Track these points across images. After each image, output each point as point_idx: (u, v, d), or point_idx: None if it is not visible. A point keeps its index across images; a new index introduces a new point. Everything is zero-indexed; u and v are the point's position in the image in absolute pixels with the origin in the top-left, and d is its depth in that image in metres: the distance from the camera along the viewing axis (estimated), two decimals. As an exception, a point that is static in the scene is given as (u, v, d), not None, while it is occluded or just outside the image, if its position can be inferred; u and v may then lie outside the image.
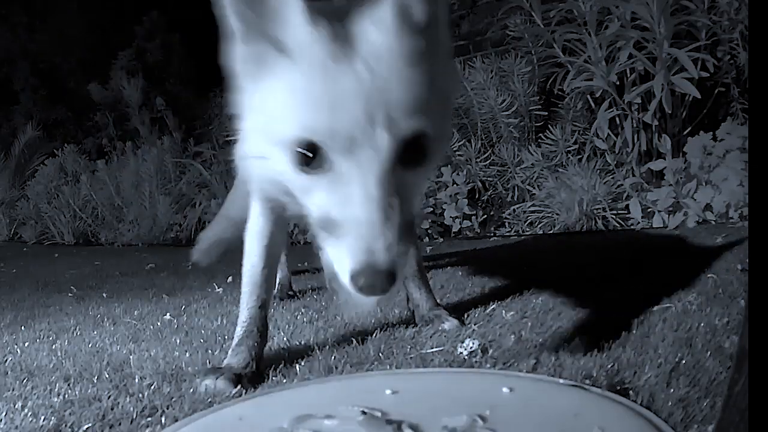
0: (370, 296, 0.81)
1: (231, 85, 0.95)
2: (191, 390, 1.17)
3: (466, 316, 1.58)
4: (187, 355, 1.44)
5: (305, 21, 0.86)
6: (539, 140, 3.74)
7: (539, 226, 3.51)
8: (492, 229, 3.79)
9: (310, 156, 0.84)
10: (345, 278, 0.81)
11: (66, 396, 1.21)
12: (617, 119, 3.38)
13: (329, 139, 0.82)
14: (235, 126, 1.00)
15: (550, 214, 3.46)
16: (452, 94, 1.09)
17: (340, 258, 0.82)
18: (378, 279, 0.79)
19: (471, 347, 1.27)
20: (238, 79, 0.94)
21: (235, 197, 1.87)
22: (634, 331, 1.28)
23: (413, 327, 1.50)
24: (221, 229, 1.94)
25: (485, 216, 3.82)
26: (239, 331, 1.31)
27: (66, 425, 1.06)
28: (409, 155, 0.85)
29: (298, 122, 0.85)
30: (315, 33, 0.85)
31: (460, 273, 2.28)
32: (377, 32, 0.86)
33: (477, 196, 3.88)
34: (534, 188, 3.65)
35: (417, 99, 0.85)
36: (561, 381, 1.00)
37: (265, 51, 0.88)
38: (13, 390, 1.28)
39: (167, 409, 1.09)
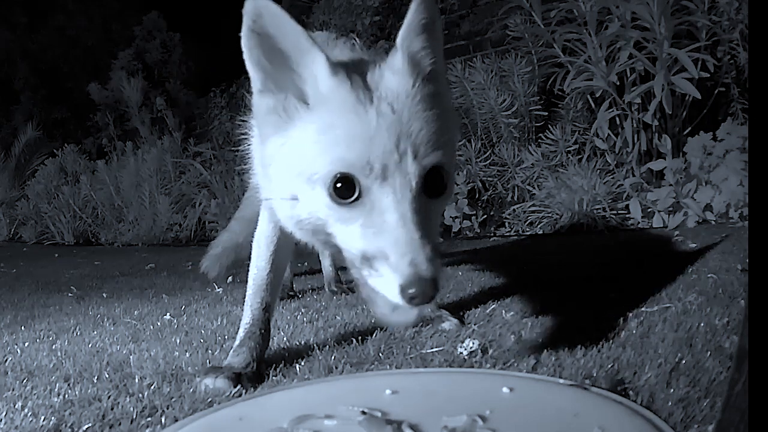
0: (419, 305, 0.90)
1: (246, 136, 1.08)
2: (191, 390, 1.17)
3: (466, 316, 1.58)
4: (187, 355, 1.44)
5: (329, 73, 0.98)
6: (539, 140, 3.74)
7: (539, 226, 3.51)
8: (492, 229, 3.79)
9: (346, 188, 0.94)
10: (393, 294, 0.89)
11: (66, 396, 1.21)
12: (617, 119, 3.38)
13: (365, 170, 0.92)
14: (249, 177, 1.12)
15: (550, 214, 3.46)
16: (456, 134, 1.18)
17: (386, 279, 0.90)
18: (426, 287, 0.87)
19: (471, 347, 1.27)
20: (261, 129, 1.05)
21: (248, 202, 1.96)
22: (634, 331, 1.28)
23: (413, 327, 1.50)
24: (234, 234, 2.01)
25: (485, 216, 3.82)
26: (241, 332, 1.32)
27: (66, 425, 1.06)
28: (431, 186, 0.96)
29: (335, 158, 0.94)
30: (339, 82, 0.97)
31: (460, 273, 2.28)
32: (394, 78, 0.99)
33: (477, 196, 3.88)
34: (534, 188, 3.65)
35: (435, 135, 0.96)
36: (561, 381, 1.00)
37: (290, 102, 1.00)
38: (13, 390, 1.28)
39: (167, 409, 1.09)
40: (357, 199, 0.94)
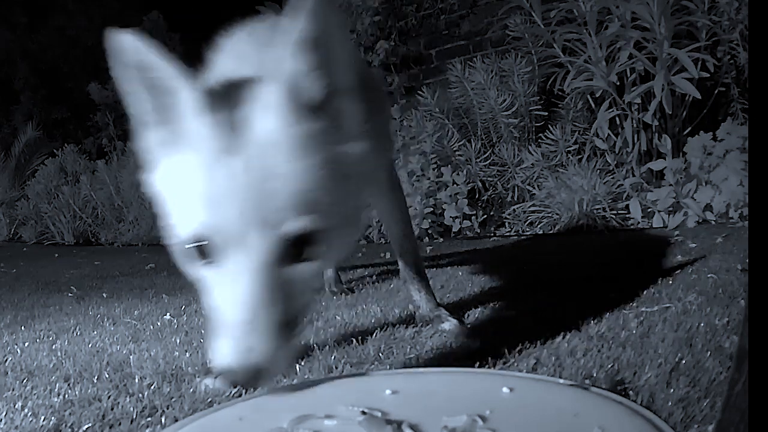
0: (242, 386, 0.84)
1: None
2: (191, 390, 1.17)
3: (466, 316, 1.58)
4: (187, 355, 1.44)
5: (197, 111, 0.85)
6: (539, 140, 3.74)
7: (539, 226, 3.51)
8: (492, 229, 3.79)
9: (202, 250, 0.84)
10: (216, 371, 0.85)
11: (66, 396, 1.21)
12: (617, 119, 3.38)
13: (212, 235, 0.82)
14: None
15: (550, 214, 3.46)
16: (367, 166, 0.95)
17: (215, 351, 0.81)
18: (244, 378, 0.80)
19: (470, 347, 1.27)
20: (149, 160, 0.93)
21: None
22: (634, 331, 1.28)
23: (413, 327, 1.50)
24: None
25: (485, 216, 3.82)
26: None
27: (66, 425, 1.06)
28: (296, 252, 0.84)
29: (190, 215, 0.85)
30: (205, 123, 0.84)
31: (460, 273, 2.28)
32: (264, 119, 0.84)
33: (477, 196, 3.88)
34: (534, 188, 3.65)
35: (304, 195, 0.83)
36: (561, 381, 1.00)
37: (167, 138, 0.89)
38: (13, 390, 1.28)
39: (167, 409, 1.09)
40: (212, 262, 0.84)
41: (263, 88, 0.85)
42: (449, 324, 1.48)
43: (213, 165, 0.83)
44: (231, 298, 0.82)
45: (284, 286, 0.84)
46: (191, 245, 0.85)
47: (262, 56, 0.95)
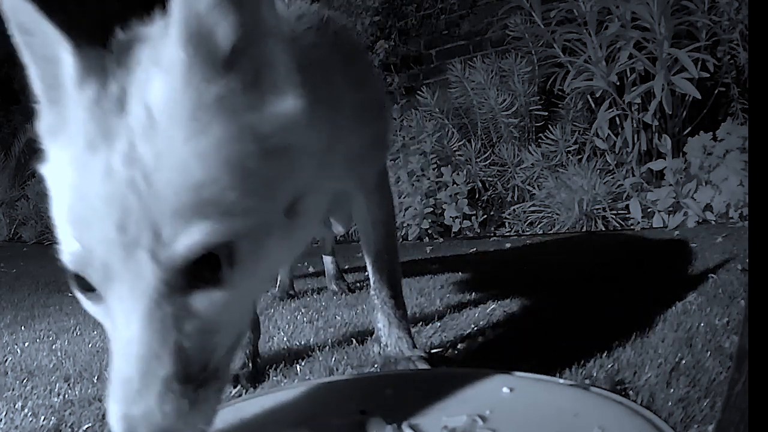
0: None
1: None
2: (191, 390, 1.17)
3: (466, 316, 1.58)
4: (187, 355, 1.44)
5: (74, 84, 0.63)
6: (539, 140, 3.74)
7: (539, 226, 3.51)
8: (492, 229, 3.79)
9: (82, 280, 0.63)
10: None
11: (66, 396, 1.21)
12: (617, 119, 3.38)
13: (81, 266, 0.61)
14: None
15: (550, 214, 3.46)
16: (310, 136, 0.68)
17: (107, 413, 0.60)
18: None
19: (471, 347, 1.27)
20: (43, 149, 0.69)
21: None
22: (634, 331, 1.28)
23: (413, 327, 1.50)
24: None
25: (485, 216, 3.82)
26: None
27: (66, 425, 1.06)
28: (201, 275, 0.61)
29: (60, 236, 0.63)
30: (82, 100, 0.62)
31: (461, 273, 2.28)
32: (158, 82, 0.60)
33: (477, 196, 3.88)
34: (534, 188, 3.65)
35: (216, 187, 0.59)
36: (561, 381, 1.00)
37: (54, 116, 0.66)
38: (13, 390, 1.28)
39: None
40: (94, 296, 0.63)
41: (152, 38, 0.65)
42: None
43: (85, 159, 0.60)
44: (116, 347, 0.60)
45: (190, 323, 0.61)
46: (70, 274, 0.64)
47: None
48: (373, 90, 1.11)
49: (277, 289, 2.15)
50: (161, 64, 0.61)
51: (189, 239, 0.58)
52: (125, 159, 0.58)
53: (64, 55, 0.64)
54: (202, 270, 0.60)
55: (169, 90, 0.60)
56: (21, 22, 0.66)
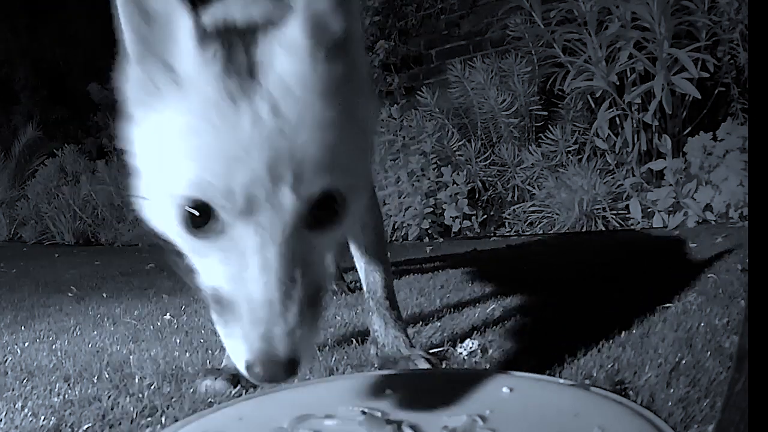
0: (269, 384, 0.70)
1: (121, 112, 0.79)
2: (191, 390, 1.17)
3: (466, 316, 1.58)
4: (187, 355, 1.44)
5: (195, 44, 0.70)
6: (539, 140, 3.74)
7: (539, 226, 3.51)
8: (492, 229, 3.79)
9: (200, 217, 0.70)
10: (239, 366, 0.69)
11: (66, 396, 1.21)
12: (617, 119, 3.38)
13: (223, 199, 0.68)
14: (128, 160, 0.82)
15: (550, 214, 3.46)
16: (373, 127, 0.86)
17: (235, 342, 0.69)
18: (277, 370, 0.67)
19: (471, 347, 1.27)
20: (129, 106, 0.77)
21: None
22: (634, 331, 1.28)
23: (413, 327, 1.50)
24: None
25: (485, 216, 3.82)
26: None
27: (66, 425, 1.06)
28: (318, 216, 0.71)
29: (187, 176, 0.69)
30: (207, 60, 0.70)
31: (460, 273, 2.28)
32: (286, 58, 0.71)
33: (477, 196, 3.88)
34: (534, 188, 3.65)
35: (332, 146, 0.70)
36: (561, 381, 1.00)
37: (158, 76, 0.73)
38: (13, 390, 1.28)
39: (167, 409, 1.09)
40: (214, 231, 0.70)
41: (287, 21, 0.73)
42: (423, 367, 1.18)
43: (226, 112, 0.68)
44: (257, 273, 0.68)
45: (311, 256, 0.72)
46: (188, 210, 0.70)
47: (269, 2, 0.85)
48: (372, 101, 1.21)
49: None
50: (287, 46, 0.71)
51: (323, 181, 0.70)
52: (273, 113, 0.68)
53: (181, 15, 0.71)
54: (325, 209, 0.72)
55: (298, 67, 0.71)
56: None
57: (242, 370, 0.69)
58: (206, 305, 0.76)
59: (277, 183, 0.67)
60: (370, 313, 1.25)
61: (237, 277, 0.69)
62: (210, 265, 0.73)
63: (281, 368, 0.67)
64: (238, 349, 0.69)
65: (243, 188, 0.67)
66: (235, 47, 0.72)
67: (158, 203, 0.75)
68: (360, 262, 1.27)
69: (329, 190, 0.71)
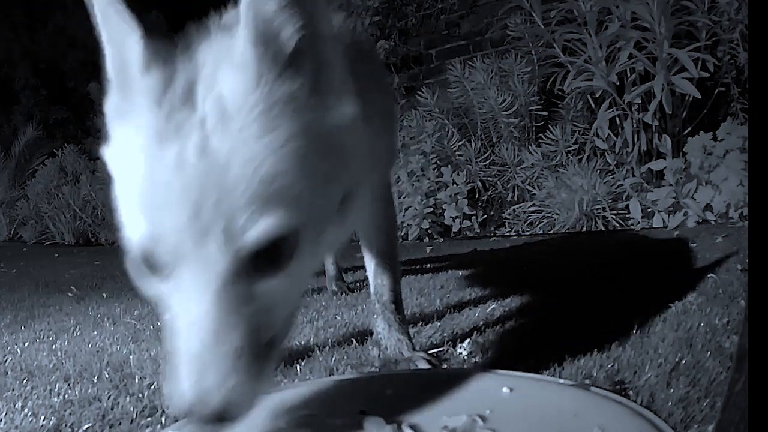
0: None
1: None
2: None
3: (466, 316, 1.58)
4: (187, 355, 1.44)
5: (141, 66, 0.66)
6: (539, 140, 3.74)
7: (539, 226, 3.51)
8: (492, 229, 3.79)
9: (149, 260, 0.66)
10: (173, 409, 0.66)
11: (66, 396, 1.21)
12: (617, 119, 3.38)
13: (153, 248, 0.64)
14: None
15: (550, 214, 3.46)
16: (358, 137, 0.74)
17: (171, 388, 0.65)
18: (207, 420, 0.63)
19: (471, 347, 1.27)
20: (108, 130, 0.74)
21: None
22: (634, 331, 1.28)
23: (413, 327, 1.50)
24: None
25: (485, 216, 3.82)
26: None
27: (66, 425, 1.06)
28: (264, 258, 0.64)
29: (128, 219, 0.67)
30: (148, 86, 0.66)
31: (460, 273, 2.28)
32: (229, 76, 0.64)
33: (477, 196, 3.88)
34: (534, 188, 3.65)
35: (279, 181, 0.62)
36: (561, 381, 1.00)
37: (123, 102, 0.70)
38: (13, 390, 1.28)
39: (167, 409, 1.09)
40: (161, 274, 0.67)
41: (224, 35, 0.68)
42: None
43: (155, 150, 0.63)
44: (185, 324, 0.64)
45: (252, 304, 0.65)
46: (137, 258, 0.67)
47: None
48: (390, 100, 1.18)
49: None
50: (233, 61, 0.65)
51: (259, 229, 0.62)
52: (199, 151, 0.62)
53: (133, 41, 0.67)
54: (267, 257, 0.64)
55: (242, 85, 0.64)
56: (102, 5, 0.69)
57: (176, 414, 0.66)
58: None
59: (204, 235, 0.61)
60: (375, 315, 1.24)
61: (178, 325, 0.66)
62: (165, 305, 0.69)
63: (210, 419, 0.63)
64: (174, 396, 0.65)
65: (170, 238, 0.63)
66: (182, 67, 0.67)
67: (126, 253, 0.71)
68: (370, 264, 1.26)
69: (270, 236, 0.63)
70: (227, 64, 0.65)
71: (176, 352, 0.65)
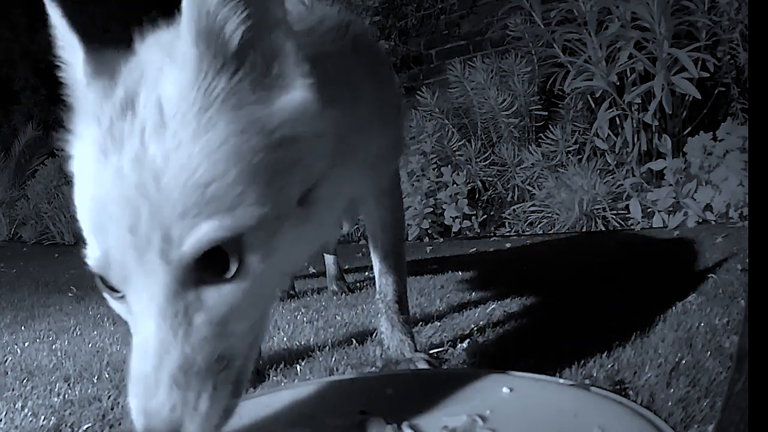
0: None
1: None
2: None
3: (465, 316, 1.58)
4: (187, 355, 1.44)
5: (84, 77, 0.66)
6: (539, 140, 3.74)
7: (539, 226, 3.51)
8: (492, 229, 3.79)
9: (104, 280, 0.65)
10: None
11: (66, 396, 1.21)
12: (617, 119, 3.38)
13: (99, 265, 0.64)
14: None
15: (550, 214, 3.46)
16: (321, 125, 0.69)
17: (128, 409, 0.64)
18: None
19: (471, 347, 1.27)
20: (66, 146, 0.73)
21: None
22: (634, 331, 1.28)
23: (413, 327, 1.50)
24: None
25: (485, 216, 3.82)
26: None
27: (66, 425, 1.06)
28: (215, 268, 0.62)
29: (86, 239, 0.65)
30: (90, 98, 0.65)
31: (460, 273, 2.28)
32: (169, 78, 0.62)
33: (477, 196, 3.88)
34: (534, 188, 3.65)
35: (217, 188, 0.59)
36: (561, 381, 1.00)
37: (75, 121, 0.69)
38: (13, 390, 1.28)
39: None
40: (117, 294, 0.66)
41: (173, 28, 0.67)
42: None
43: (97, 164, 0.62)
44: (136, 346, 0.63)
45: (201, 316, 0.62)
46: (98, 281, 0.67)
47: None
48: (392, 94, 1.12)
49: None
50: (174, 61, 0.62)
51: (196, 237, 0.59)
52: (134, 162, 0.59)
53: (76, 56, 0.67)
54: (211, 264, 0.61)
55: (180, 85, 0.61)
56: (51, 20, 0.68)
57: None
58: None
59: (143, 248, 0.59)
60: (379, 315, 1.23)
61: (128, 346, 0.64)
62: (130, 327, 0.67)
63: None
64: (133, 420, 0.64)
65: (113, 257, 0.61)
66: (124, 76, 0.65)
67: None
68: (375, 262, 1.23)
69: (213, 243, 0.60)
70: (169, 64, 0.62)
71: (129, 368, 0.63)
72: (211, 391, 0.62)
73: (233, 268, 0.62)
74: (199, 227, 0.59)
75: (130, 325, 0.66)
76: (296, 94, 0.67)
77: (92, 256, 0.64)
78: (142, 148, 0.59)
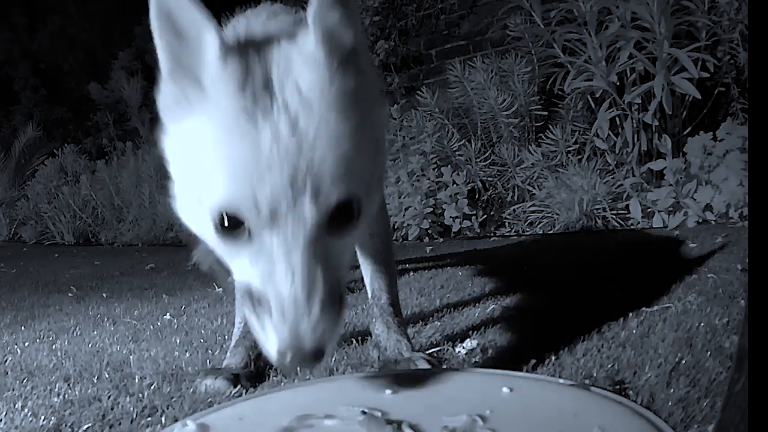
0: (297, 371, 0.77)
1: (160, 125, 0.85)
2: (191, 390, 1.17)
3: (466, 316, 1.58)
4: (187, 355, 1.44)
5: (218, 59, 0.76)
6: (539, 140, 3.74)
7: (539, 226, 3.51)
8: (492, 229, 3.79)
9: (233, 225, 0.77)
10: (270, 355, 0.76)
11: (66, 396, 1.21)
12: (617, 119, 3.38)
13: (249, 211, 0.75)
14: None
15: (550, 214, 3.46)
16: (383, 134, 0.92)
17: (266, 334, 0.76)
18: (304, 359, 0.74)
19: (471, 347, 1.27)
20: (162, 117, 0.84)
21: None
22: (634, 331, 1.28)
23: (413, 327, 1.50)
24: None
25: (485, 216, 3.82)
26: (236, 331, 1.31)
27: (66, 425, 1.06)
28: (337, 221, 0.77)
29: (215, 189, 0.76)
30: (228, 75, 0.76)
31: (460, 273, 2.28)
32: (303, 70, 0.77)
33: (477, 196, 3.88)
34: (534, 188, 3.65)
35: (348, 156, 0.76)
36: (561, 381, 1.00)
37: (188, 90, 0.79)
38: (13, 390, 1.28)
39: (167, 409, 1.09)
40: (243, 238, 0.77)
41: (301, 33, 0.79)
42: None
43: (246, 128, 0.74)
44: (283, 275, 0.75)
45: (330, 260, 0.78)
46: (219, 219, 0.77)
47: (288, 17, 0.98)
48: (383, 108, 1.34)
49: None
50: (303, 59, 0.78)
51: (340, 191, 0.76)
52: (291, 129, 0.74)
53: (208, 35, 0.76)
54: (342, 216, 0.78)
55: (315, 80, 0.77)
56: (164, 4, 0.76)
57: (273, 359, 0.76)
58: (239, 300, 0.86)
59: (298, 196, 0.74)
60: (374, 319, 1.27)
61: (266, 277, 0.76)
62: (242, 265, 0.80)
63: (308, 357, 0.74)
64: (270, 341, 0.76)
65: (266, 201, 0.74)
66: (253, 61, 0.78)
67: (193, 209, 0.82)
68: (366, 268, 1.29)
69: (346, 199, 0.77)
70: (298, 60, 0.78)
71: (275, 295, 0.75)
72: (337, 320, 0.79)
73: (354, 223, 0.80)
74: (341, 184, 0.75)
75: (242, 269, 0.79)
76: (382, 107, 0.91)
77: (225, 197, 0.75)
78: (295, 120, 0.74)
